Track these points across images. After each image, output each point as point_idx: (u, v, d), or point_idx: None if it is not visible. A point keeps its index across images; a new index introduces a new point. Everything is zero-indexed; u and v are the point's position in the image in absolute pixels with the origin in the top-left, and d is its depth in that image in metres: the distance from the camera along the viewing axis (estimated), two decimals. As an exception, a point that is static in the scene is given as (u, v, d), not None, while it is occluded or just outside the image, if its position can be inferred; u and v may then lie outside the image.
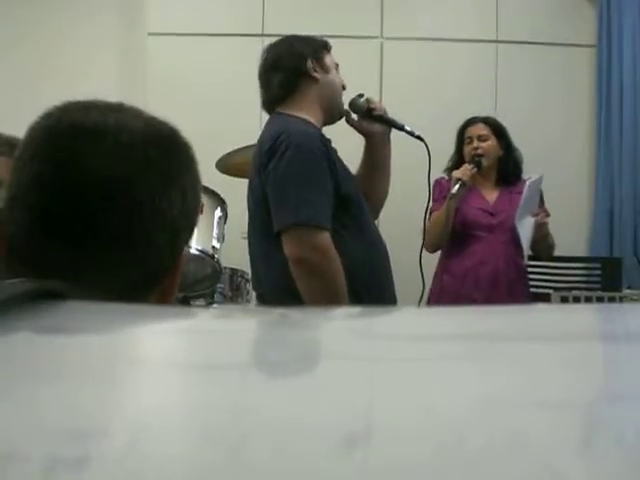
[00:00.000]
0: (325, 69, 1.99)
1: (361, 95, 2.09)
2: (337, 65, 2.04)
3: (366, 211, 1.99)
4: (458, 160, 2.78)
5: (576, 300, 2.80)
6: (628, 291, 3.19)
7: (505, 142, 2.78)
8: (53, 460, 0.20)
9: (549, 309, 0.86)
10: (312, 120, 1.95)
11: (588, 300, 2.78)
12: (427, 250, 2.72)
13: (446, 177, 2.77)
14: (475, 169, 2.65)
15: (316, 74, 1.97)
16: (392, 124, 2.11)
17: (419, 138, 2.09)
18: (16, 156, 0.72)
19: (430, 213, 2.70)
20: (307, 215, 1.79)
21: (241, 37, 3.83)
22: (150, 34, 3.92)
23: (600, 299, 2.82)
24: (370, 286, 1.89)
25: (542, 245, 2.77)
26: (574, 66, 4.00)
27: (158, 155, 0.72)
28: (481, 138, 2.74)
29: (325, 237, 1.80)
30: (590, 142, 4.00)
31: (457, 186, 2.58)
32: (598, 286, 3.10)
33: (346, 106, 2.07)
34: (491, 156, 2.74)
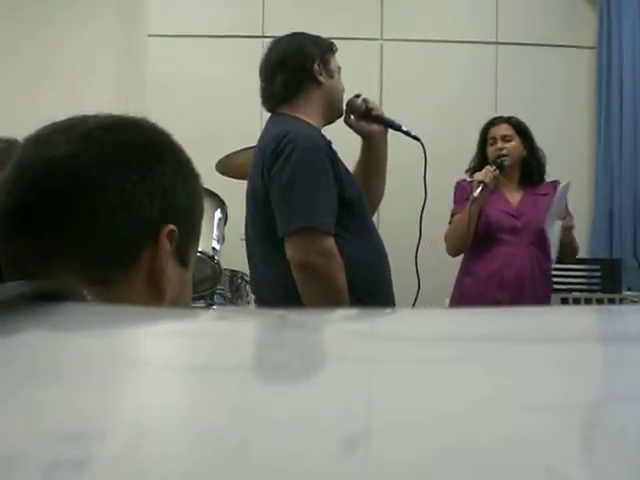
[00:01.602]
0: (330, 73, 1.98)
1: (358, 95, 2.07)
2: (339, 68, 2.02)
3: (368, 214, 1.98)
4: (480, 161, 2.71)
5: (576, 302, 2.80)
6: (628, 293, 3.19)
7: (528, 142, 2.70)
8: (53, 462, 0.20)
9: (549, 311, 0.86)
10: (313, 122, 1.94)
11: (588, 302, 2.78)
12: (449, 254, 2.67)
13: (467, 179, 2.70)
14: (497, 171, 2.58)
15: (321, 78, 1.95)
16: (390, 124, 2.10)
17: (415, 138, 2.08)
18: None
19: (451, 216, 2.67)
20: (313, 220, 1.77)
21: (241, 39, 3.83)
22: (150, 35, 3.92)
23: (600, 301, 2.82)
24: (372, 289, 1.88)
25: (568, 249, 2.69)
26: (574, 68, 4.00)
27: (115, 138, 0.75)
28: (505, 138, 2.66)
29: (330, 241, 1.78)
30: (590, 144, 4.00)
31: (479, 189, 2.51)
32: (598, 288, 3.11)
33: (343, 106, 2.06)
34: (515, 157, 2.66)
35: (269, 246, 1.87)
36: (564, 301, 2.76)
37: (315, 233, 1.77)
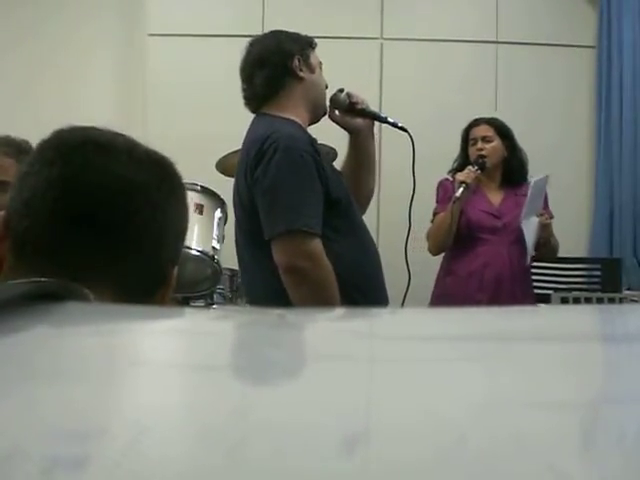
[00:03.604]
0: (310, 68, 1.94)
1: (341, 90, 2.03)
2: (321, 64, 1.99)
3: (357, 213, 1.95)
4: (463, 162, 2.73)
5: (576, 301, 2.80)
6: (628, 292, 3.18)
7: (510, 143, 2.73)
8: (53, 460, 0.20)
9: (549, 310, 0.87)
10: (298, 120, 1.90)
11: (588, 301, 2.78)
12: (430, 253, 2.70)
13: (450, 178, 2.73)
14: (479, 171, 2.61)
15: (302, 73, 1.92)
16: (375, 117, 2.07)
17: (403, 129, 2.05)
18: (29, 162, 0.77)
19: (434, 215, 2.69)
20: (299, 221, 1.74)
21: (241, 38, 3.81)
22: (150, 35, 3.91)
23: (600, 300, 2.81)
24: (365, 289, 1.86)
25: (546, 246, 2.73)
26: (574, 67, 4.00)
27: (164, 173, 0.79)
28: (485, 139, 2.70)
29: (317, 243, 1.75)
30: (590, 143, 4.00)
31: (461, 189, 2.54)
32: (598, 287, 3.10)
33: (327, 103, 2.01)
34: (495, 157, 2.70)
35: (256, 248, 1.84)
36: (564, 300, 2.76)
37: (301, 235, 1.74)
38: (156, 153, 0.80)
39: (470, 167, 2.62)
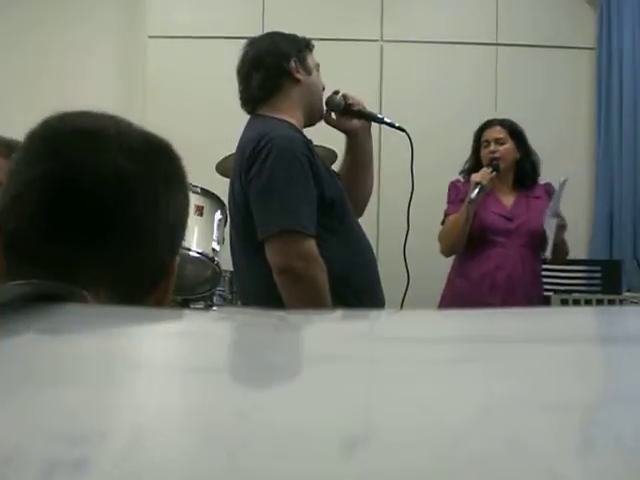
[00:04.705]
0: (307, 70, 1.94)
1: (337, 92, 2.02)
2: (318, 65, 1.99)
3: (352, 214, 1.94)
4: (475, 163, 2.72)
5: (576, 303, 2.80)
6: (628, 294, 3.19)
7: (522, 145, 2.71)
8: (52, 463, 0.20)
9: (549, 312, 0.86)
10: (294, 122, 1.90)
11: (588, 303, 2.78)
12: (443, 254, 2.68)
13: (462, 179, 2.71)
14: (494, 173, 2.59)
15: (299, 75, 1.92)
16: (371, 117, 2.06)
17: (400, 129, 2.04)
18: (17, 158, 0.74)
19: (445, 216, 2.67)
20: (292, 222, 1.74)
21: (241, 40, 3.82)
22: (150, 37, 3.92)
23: (600, 302, 2.81)
24: (359, 290, 1.85)
25: (561, 249, 2.69)
26: (574, 69, 4.00)
27: (158, 160, 0.76)
28: (498, 141, 2.67)
29: (311, 244, 1.75)
30: (590, 144, 4.01)
31: (476, 190, 2.51)
32: (598, 289, 3.10)
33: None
34: (508, 159, 2.67)
35: (250, 248, 1.84)
36: (564, 302, 2.76)
37: (295, 236, 1.74)
38: (150, 138, 0.77)
39: (485, 168, 2.59)
